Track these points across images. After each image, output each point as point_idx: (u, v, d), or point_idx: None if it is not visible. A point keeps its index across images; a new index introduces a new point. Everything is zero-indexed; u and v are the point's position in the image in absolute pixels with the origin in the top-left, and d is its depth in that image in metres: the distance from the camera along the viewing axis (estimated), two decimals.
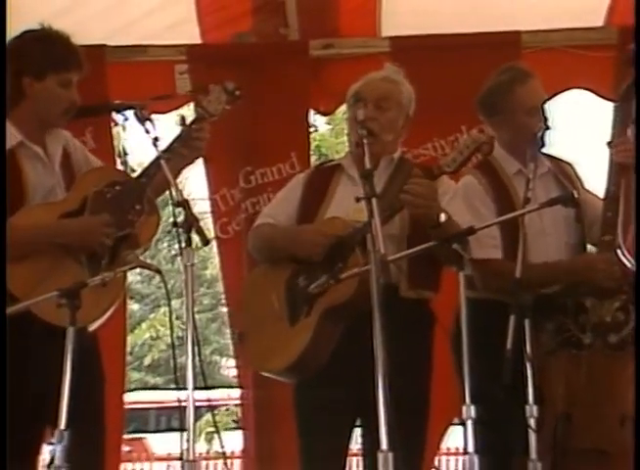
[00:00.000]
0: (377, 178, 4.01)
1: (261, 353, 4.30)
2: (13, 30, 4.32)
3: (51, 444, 3.61)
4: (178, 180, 4.05)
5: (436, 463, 8.41)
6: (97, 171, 4.39)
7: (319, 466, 4.24)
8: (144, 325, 22.00)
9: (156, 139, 3.90)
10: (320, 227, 4.22)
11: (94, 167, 4.42)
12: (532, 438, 3.69)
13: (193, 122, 4.30)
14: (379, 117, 4.20)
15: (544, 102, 4.46)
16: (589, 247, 4.48)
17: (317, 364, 4.09)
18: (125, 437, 7.14)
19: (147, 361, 22.50)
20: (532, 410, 3.70)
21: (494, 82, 4.47)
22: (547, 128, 4.31)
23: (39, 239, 4.06)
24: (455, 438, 4.71)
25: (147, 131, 3.92)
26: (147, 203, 4.15)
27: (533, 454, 3.68)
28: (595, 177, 4.48)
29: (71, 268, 4.01)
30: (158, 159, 4.01)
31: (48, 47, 4.17)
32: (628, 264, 4.27)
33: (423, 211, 4.00)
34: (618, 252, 4.27)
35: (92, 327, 4.07)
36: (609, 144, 4.34)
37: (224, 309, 6.75)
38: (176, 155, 4.18)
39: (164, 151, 4.06)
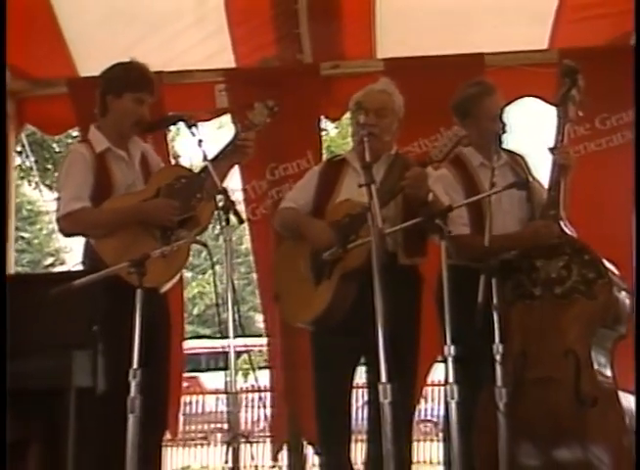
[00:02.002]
0: (377, 170, 4.05)
1: (292, 309, 4.31)
2: (96, 64, 4.36)
3: None
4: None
5: (424, 393, 8.39)
6: (168, 168, 4.50)
7: (330, 396, 4.26)
8: (194, 283, 22.18)
9: (200, 141, 3.92)
10: (336, 208, 4.22)
11: (165, 165, 4.49)
12: (498, 369, 3.72)
13: (242, 132, 4.32)
14: (379, 124, 4.21)
15: (503, 109, 4.46)
16: None
17: (337, 317, 4.11)
18: (184, 375, 7.13)
19: (195, 311, 22.69)
20: (498, 348, 3.73)
21: (467, 93, 4.49)
22: (504, 131, 4.31)
23: (124, 218, 4.12)
24: (439, 373, 4.69)
25: (193, 134, 3.95)
26: (205, 193, 4.17)
27: (499, 382, 3.71)
28: (542, 163, 4.50)
29: (148, 242, 4.07)
30: (212, 160, 4.03)
31: (127, 73, 4.26)
32: (569, 232, 4.31)
33: (417, 191, 4.02)
34: (561, 223, 4.29)
35: (163, 289, 4.10)
36: (551, 150, 4.34)
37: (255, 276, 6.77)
38: (227, 156, 4.22)
39: (218, 154, 4.15)
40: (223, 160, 4.19)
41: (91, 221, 4.12)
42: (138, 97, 4.22)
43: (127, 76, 4.22)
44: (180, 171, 4.42)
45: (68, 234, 4.32)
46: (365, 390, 4.34)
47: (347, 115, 4.88)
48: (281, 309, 4.47)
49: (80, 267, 4.26)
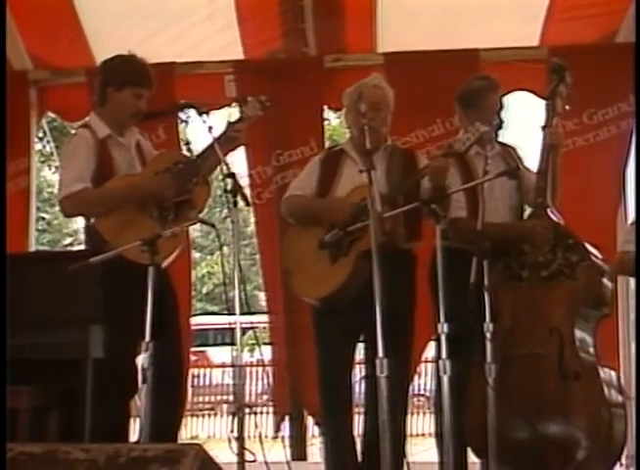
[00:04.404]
0: (377, 159, 4.07)
1: (306, 285, 4.24)
2: (109, 56, 4.36)
3: None
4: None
5: (418, 369, 8.37)
6: (166, 153, 4.47)
7: (332, 369, 4.25)
8: (203, 264, 22.21)
9: (210, 127, 3.93)
10: (354, 192, 4.16)
11: (163, 151, 4.47)
12: (489, 346, 3.71)
13: (235, 122, 4.31)
14: (376, 117, 4.19)
15: (503, 104, 4.45)
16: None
17: (351, 294, 4.07)
18: (192, 349, 7.13)
19: (205, 290, 22.72)
20: (489, 326, 3.71)
21: (473, 85, 4.48)
22: (501, 126, 4.33)
23: (124, 195, 4.10)
24: (433, 351, 4.69)
25: (204, 121, 3.94)
26: (201, 177, 4.17)
27: (489, 358, 3.70)
28: (531, 152, 4.51)
29: (146, 221, 4.06)
30: (209, 146, 4.04)
31: (129, 68, 4.22)
32: (554, 218, 4.31)
33: (438, 180, 4.08)
34: (548, 210, 4.30)
35: (164, 264, 4.10)
36: (542, 127, 4.36)
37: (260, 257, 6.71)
38: (222, 143, 4.18)
39: (215, 139, 4.08)
40: (220, 146, 4.16)
41: (91, 201, 4.10)
42: (138, 92, 4.19)
43: (129, 71, 4.20)
44: (177, 157, 4.44)
45: (69, 215, 4.37)
46: (360, 366, 4.35)
47: None
48: (292, 285, 4.35)
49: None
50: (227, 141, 4.22)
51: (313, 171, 4.42)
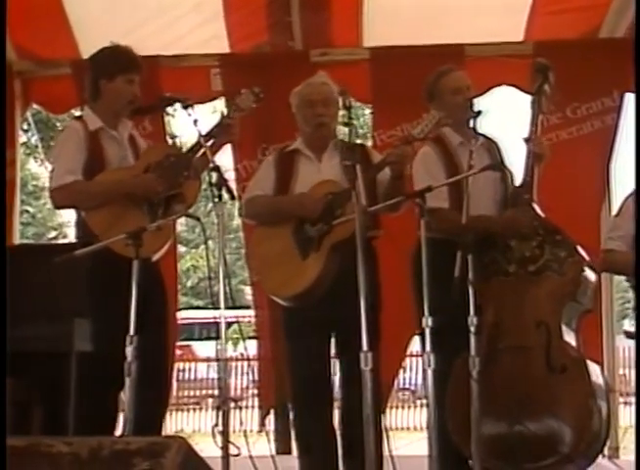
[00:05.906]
0: (329, 155, 4.09)
1: (277, 283, 4.22)
2: (94, 47, 4.35)
3: None
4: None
5: (403, 364, 8.39)
6: (157, 146, 4.47)
7: (303, 366, 4.21)
8: (188, 257, 22.21)
9: (195, 121, 3.92)
10: (316, 188, 4.18)
11: (155, 144, 4.46)
12: (472, 340, 3.71)
13: (228, 115, 4.32)
14: (327, 113, 4.22)
15: (470, 92, 4.44)
16: None
17: (327, 286, 4.06)
18: (177, 344, 7.12)
19: (189, 284, 22.72)
20: (473, 320, 3.71)
21: (428, 79, 4.53)
22: (478, 114, 4.28)
23: (113, 191, 4.10)
24: (417, 345, 4.70)
25: (189, 114, 3.94)
26: (192, 171, 4.16)
27: (473, 352, 3.71)
28: (516, 146, 4.52)
29: (136, 215, 4.05)
30: (200, 139, 4.03)
31: (117, 56, 4.23)
32: (540, 213, 4.33)
33: (400, 167, 4.09)
34: (534, 205, 4.31)
35: (154, 258, 4.09)
36: (526, 140, 4.35)
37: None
38: (215, 136, 4.19)
39: (207, 134, 4.09)
40: (211, 140, 4.16)
41: (81, 193, 4.10)
42: (129, 78, 4.20)
43: (118, 60, 4.20)
44: (169, 150, 4.44)
45: (59, 206, 4.36)
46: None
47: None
48: (265, 286, 4.35)
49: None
50: (221, 132, 4.22)
51: (269, 172, 4.41)
